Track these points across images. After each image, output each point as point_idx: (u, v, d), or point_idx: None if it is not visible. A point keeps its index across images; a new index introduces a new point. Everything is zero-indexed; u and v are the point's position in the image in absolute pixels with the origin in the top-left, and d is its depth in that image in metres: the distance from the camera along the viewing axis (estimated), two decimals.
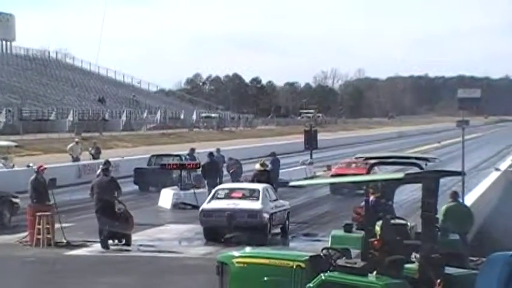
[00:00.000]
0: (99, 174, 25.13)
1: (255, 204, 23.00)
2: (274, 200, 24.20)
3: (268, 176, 26.93)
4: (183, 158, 36.76)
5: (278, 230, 24.38)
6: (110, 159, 35.29)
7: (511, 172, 26.84)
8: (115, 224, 21.97)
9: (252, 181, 26.50)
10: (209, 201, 23.75)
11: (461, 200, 19.98)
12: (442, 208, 18.45)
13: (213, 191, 24.73)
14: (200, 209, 23.93)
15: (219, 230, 23.18)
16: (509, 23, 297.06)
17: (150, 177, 36.78)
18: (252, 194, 23.51)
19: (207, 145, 53.41)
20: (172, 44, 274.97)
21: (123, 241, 22.35)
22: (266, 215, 22.97)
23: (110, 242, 22.19)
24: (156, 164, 36.90)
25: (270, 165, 33.21)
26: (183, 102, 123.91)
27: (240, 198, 23.45)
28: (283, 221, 24.55)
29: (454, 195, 19.20)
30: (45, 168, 24.10)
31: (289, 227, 25.15)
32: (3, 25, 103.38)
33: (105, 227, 21.99)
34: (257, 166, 27.60)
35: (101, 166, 25.64)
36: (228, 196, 23.68)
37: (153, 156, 39.71)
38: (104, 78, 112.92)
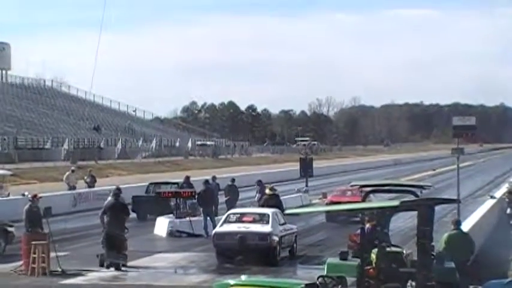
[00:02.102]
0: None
1: (265, 228, 24.02)
2: (283, 224, 25.14)
3: (277, 199, 28.29)
4: (181, 185, 36.76)
5: (286, 253, 25.26)
6: (106, 188, 35.27)
7: (506, 200, 26.84)
8: (117, 254, 22.87)
9: (262, 205, 27.96)
10: (221, 224, 24.85)
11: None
12: (444, 236, 18.54)
13: (225, 215, 25.88)
14: (213, 232, 25.08)
15: (231, 252, 24.01)
16: (505, 51, 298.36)
17: (148, 205, 36.76)
18: (262, 218, 24.60)
19: (202, 173, 53.39)
20: (166, 72, 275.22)
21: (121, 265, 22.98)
22: (276, 238, 23.97)
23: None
24: (154, 191, 36.95)
25: (258, 194, 34.04)
26: (179, 130, 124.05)
27: (250, 222, 24.53)
28: (292, 243, 25.67)
29: (456, 223, 19.32)
30: (40, 197, 24.09)
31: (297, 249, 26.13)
32: None
33: (109, 258, 22.86)
34: (267, 191, 29.17)
35: (112, 191, 26.19)
36: (239, 220, 24.79)
37: (151, 184, 39.76)
38: (99, 107, 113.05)
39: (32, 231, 22.67)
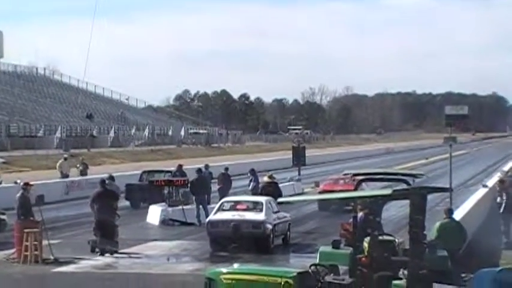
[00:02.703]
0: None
1: (259, 216, 24.20)
2: (277, 212, 25.29)
3: (275, 187, 29.36)
4: (174, 174, 36.75)
5: (280, 242, 25.41)
6: (98, 176, 35.22)
7: (497, 189, 26.89)
8: (109, 241, 23.22)
9: (261, 192, 28.79)
10: (215, 212, 24.96)
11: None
12: (436, 224, 18.61)
13: (219, 203, 26.04)
14: (207, 220, 25.23)
15: (225, 240, 24.18)
16: (497, 41, 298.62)
17: (142, 193, 36.76)
18: (256, 206, 24.80)
19: (195, 161, 53.38)
20: (160, 60, 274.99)
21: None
22: (269, 226, 24.15)
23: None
24: (147, 180, 36.95)
25: (252, 183, 34.35)
26: (171, 118, 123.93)
27: (244, 210, 24.71)
28: (285, 231, 25.82)
29: (449, 212, 19.39)
30: (32, 185, 24.07)
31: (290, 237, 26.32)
32: None
33: (101, 245, 23.23)
34: (265, 178, 30.24)
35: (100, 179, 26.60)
36: (233, 208, 24.94)
37: (144, 172, 39.76)
38: (92, 95, 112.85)
39: (24, 219, 22.65)
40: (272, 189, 28.60)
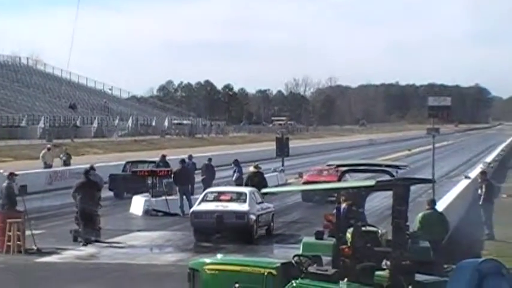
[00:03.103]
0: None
1: (243, 206, 24.28)
2: (260, 203, 25.39)
3: (261, 177, 29.77)
4: (157, 164, 36.70)
5: (263, 232, 25.48)
6: (81, 166, 35.18)
7: (479, 181, 27.04)
8: (91, 230, 23.55)
9: (246, 182, 29.31)
10: (199, 203, 24.99)
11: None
12: (418, 215, 18.68)
13: (202, 194, 26.12)
14: (191, 210, 25.24)
15: (208, 230, 24.23)
16: (479, 33, 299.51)
17: (125, 184, 36.75)
18: (240, 197, 24.88)
19: (178, 152, 53.33)
20: (143, 51, 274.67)
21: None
22: (253, 217, 24.26)
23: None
24: (130, 170, 36.87)
25: (236, 174, 34.47)
26: (155, 109, 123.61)
27: (228, 200, 24.79)
28: (269, 222, 25.95)
29: (431, 203, 19.46)
30: (17, 175, 24.01)
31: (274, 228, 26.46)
32: None
33: (84, 235, 23.52)
34: (251, 168, 30.57)
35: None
36: (216, 199, 25.01)
37: (128, 162, 39.71)
38: (75, 85, 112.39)
39: (8, 209, 22.59)
40: (258, 179, 28.97)
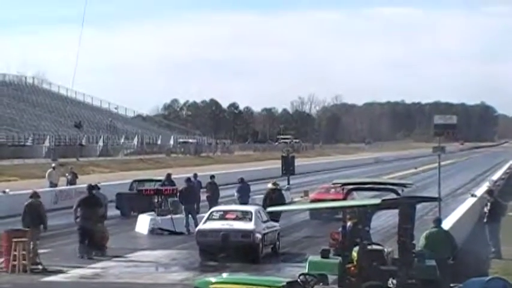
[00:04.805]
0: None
1: (248, 225, 24.13)
2: (266, 221, 25.22)
3: (279, 194, 29.90)
4: (163, 183, 36.71)
5: (269, 251, 25.33)
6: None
7: (487, 199, 26.92)
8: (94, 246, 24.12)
9: (265, 199, 29.26)
10: (204, 222, 24.89)
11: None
12: (424, 234, 18.61)
13: (208, 212, 25.94)
14: (196, 229, 25.15)
15: (214, 249, 24.10)
16: (485, 51, 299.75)
17: (132, 202, 36.72)
18: (245, 216, 24.71)
19: (184, 170, 53.31)
20: (149, 69, 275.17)
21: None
22: (259, 235, 24.12)
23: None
24: (137, 189, 36.90)
25: (237, 194, 34.33)
26: (160, 127, 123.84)
27: (234, 219, 24.63)
28: (274, 241, 25.77)
29: (437, 221, 19.40)
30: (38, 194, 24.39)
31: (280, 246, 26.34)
32: None
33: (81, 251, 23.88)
34: (269, 185, 30.62)
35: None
36: (222, 217, 24.86)
37: (134, 181, 39.79)
38: (80, 104, 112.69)
39: (33, 227, 22.73)
40: (276, 196, 29.11)
